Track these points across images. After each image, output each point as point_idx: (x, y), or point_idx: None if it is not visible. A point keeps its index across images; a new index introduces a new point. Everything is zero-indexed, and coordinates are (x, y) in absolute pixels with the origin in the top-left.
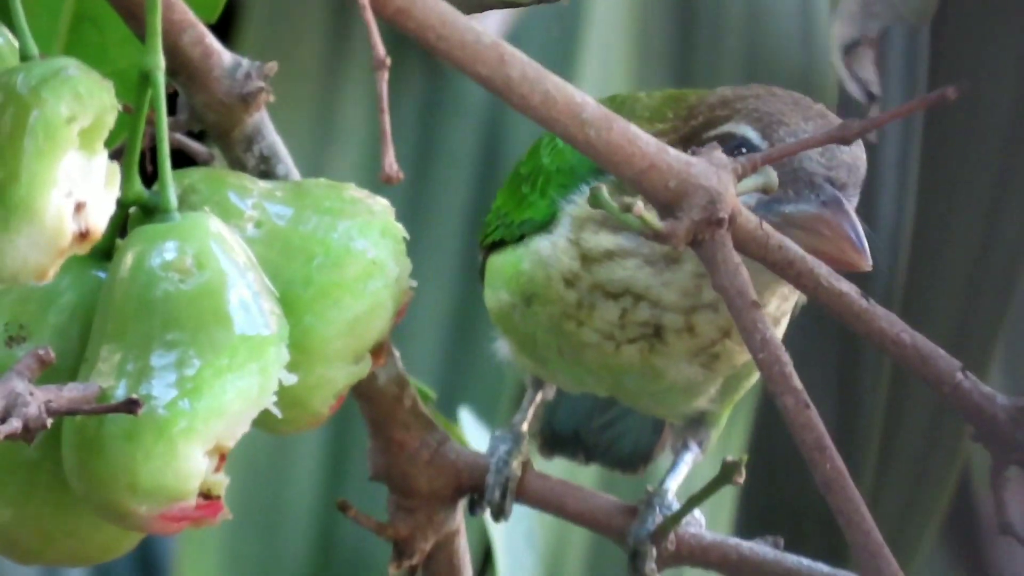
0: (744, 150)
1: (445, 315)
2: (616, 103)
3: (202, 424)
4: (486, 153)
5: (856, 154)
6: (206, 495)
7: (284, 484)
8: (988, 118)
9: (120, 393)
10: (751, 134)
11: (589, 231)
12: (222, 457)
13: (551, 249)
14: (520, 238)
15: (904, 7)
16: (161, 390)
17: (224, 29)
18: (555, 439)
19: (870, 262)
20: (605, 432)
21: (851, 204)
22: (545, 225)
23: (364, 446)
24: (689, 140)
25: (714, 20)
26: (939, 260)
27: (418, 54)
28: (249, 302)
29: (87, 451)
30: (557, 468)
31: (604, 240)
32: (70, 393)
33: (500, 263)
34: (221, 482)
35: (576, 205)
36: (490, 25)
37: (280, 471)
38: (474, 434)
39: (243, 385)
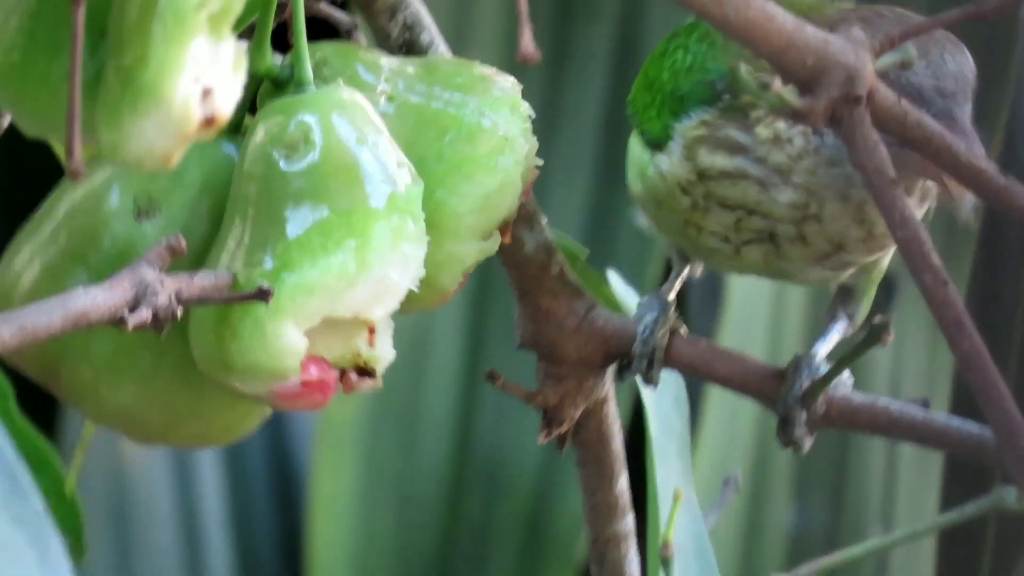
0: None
1: (581, 205)
2: None
3: (288, 301)
4: (621, 51)
5: (962, 63)
6: (362, 370)
7: (419, 384)
8: None
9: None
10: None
11: (704, 152)
12: (371, 331)
13: (668, 164)
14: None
15: None
16: (254, 268)
17: None
18: None
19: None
20: None
21: (963, 113)
22: (661, 144)
23: (502, 331)
24: None
25: None
26: None
27: None
28: (361, 177)
29: (196, 330)
30: None
31: (719, 161)
32: (201, 281)
33: (634, 154)
34: (379, 356)
35: (687, 127)
36: None
37: (416, 362)
38: (626, 295)
39: (335, 261)
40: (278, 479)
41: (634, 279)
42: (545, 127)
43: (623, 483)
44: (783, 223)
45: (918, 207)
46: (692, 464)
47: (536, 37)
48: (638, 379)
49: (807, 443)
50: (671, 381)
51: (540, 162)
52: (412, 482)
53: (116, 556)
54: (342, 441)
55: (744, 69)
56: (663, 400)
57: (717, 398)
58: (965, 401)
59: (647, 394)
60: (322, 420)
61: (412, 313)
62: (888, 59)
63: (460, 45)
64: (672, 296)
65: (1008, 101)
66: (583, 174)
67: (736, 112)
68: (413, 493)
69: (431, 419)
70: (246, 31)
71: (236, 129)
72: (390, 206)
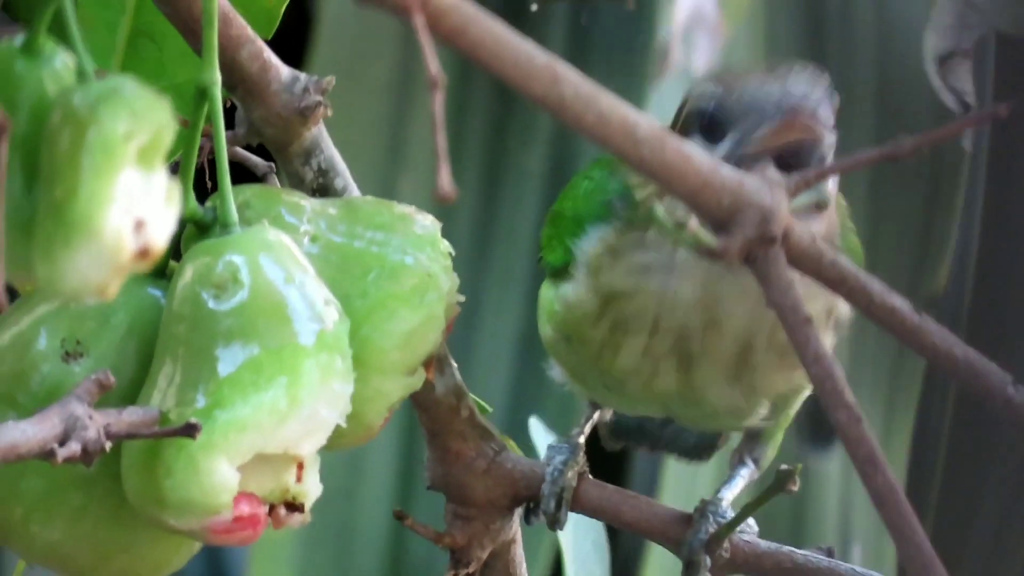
0: (708, 109)
1: (514, 332)
2: None
3: (221, 438)
4: (555, 172)
5: (809, 85)
6: (291, 505)
7: (354, 498)
8: None
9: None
10: (707, 92)
11: (604, 273)
12: (300, 466)
13: (574, 294)
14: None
15: (999, 17)
16: (187, 407)
17: (297, 50)
18: (621, 431)
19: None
20: (668, 426)
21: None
22: (563, 270)
23: None
24: (682, 132)
25: (842, 31)
26: (1006, 276)
27: (488, 74)
28: (289, 315)
29: (129, 467)
30: None
31: (618, 281)
32: (129, 417)
33: (543, 298)
34: (306, 492)
35: (586, 252)
36: None
37: (351, 486)
38: (543, 443)
39: (267, 398)
40: None
41: (569, 409)
42: (479, 246)
43: None
44: (688, 336)
45: (830, 333)
46: None
47: (471, 158)
48: (553, 521)
49: None
50: (591, 526)
51: (462, 298)
52: None
53: None
54: (277, 558)
55: (661, 208)
56: (582, 545)
57: None
58: None
59: (566, 539)
60: None
61: (339, 449)
62: (803, 199)
63: (395, 168)
64: (581, 440)
65: (953, 231)
66: (517, 298)
67: (634, 229)
68: None
69: (364, 537)
70: (171, 171)
71: (161, 272)
72: (319, 343)
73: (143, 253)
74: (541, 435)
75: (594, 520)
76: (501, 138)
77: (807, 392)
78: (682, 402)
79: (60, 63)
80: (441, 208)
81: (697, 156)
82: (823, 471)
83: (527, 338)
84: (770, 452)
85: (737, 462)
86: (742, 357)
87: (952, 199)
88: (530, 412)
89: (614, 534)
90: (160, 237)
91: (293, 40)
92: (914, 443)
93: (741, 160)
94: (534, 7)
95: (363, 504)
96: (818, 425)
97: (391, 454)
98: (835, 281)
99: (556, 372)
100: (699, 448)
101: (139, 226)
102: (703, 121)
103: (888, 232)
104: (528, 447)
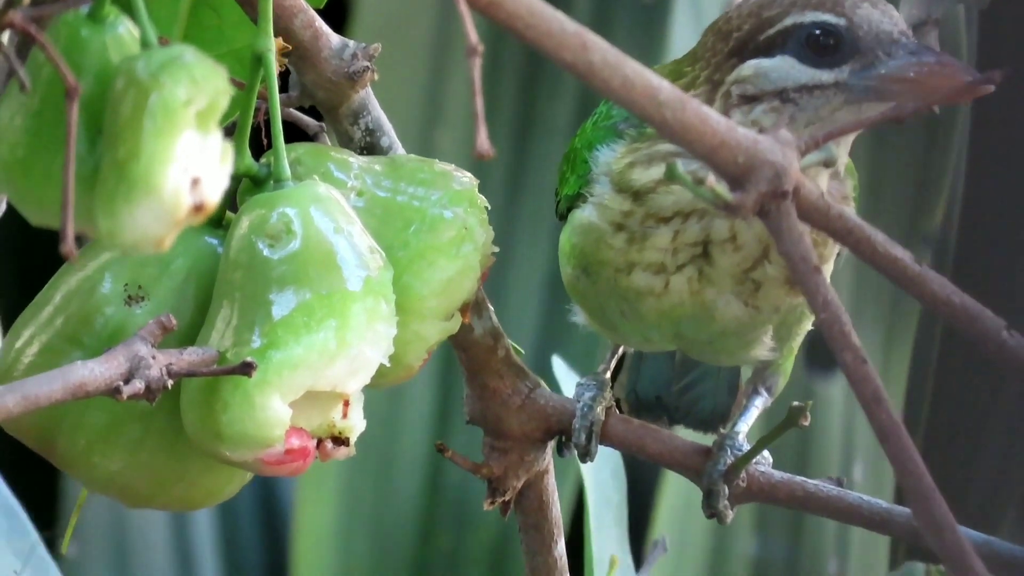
0: (819, 32)
1: (542, 277)
2: None
3: (275, 376)
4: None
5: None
6: (337, 439)
7: (396, 431)
8: None
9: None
10: (825, 16)
11: (639, 170)
12: (346, 403)
13: (592, 211)
14: (565, 215)
15: None
16: (243, 347)
17: (339, 17)
18: (640, 404)
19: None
20: (684, 396)
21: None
22: (576, 198)
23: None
24: (738, 53)
25: None
26: (988, 228)
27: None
28: (338, 263)
29: (188, 403)
30: None
31: (655, 172)
32: (189, 356)
33: (562, 243)
34: (352, 427)
35: (606, 162)
36: None
37: (392, 420)
38: (566, 381)
39: (318, 339)
40: (265, 513)
41: (592, 349)
42: (510, 197)
43: (561, 547)
44: (718, 220)
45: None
46: (627, 527)
47: (503, 114)
48: (584, 454)
49: (730, 515)
50: (609, 456)
51: (496, 249)
52: (387, 518)
53: None
54: (323, 480)
55: (680, 165)
56: (601, 474)
57: None
58: None
59: (586, 469)
60: None
61: (381, 387)
62: (812, 158)
63: (433, 124)
64: (608, 376)
65: (948, 174)
66: (544, 246)
67: (645, 140)
68: (388, 528)
69: (405, 460)
70: (225, 133)
71: (218, 222)
72: (365, 289)
73: (198, 208)
74: (564, 372)
75: (612, 450)
76: (531, 94)
77: (809, 324)
78: (692, 321)
79: (123, 30)
80: (475, 162)
81: (714, 117)
82: (827, 395)
83: (554, 283)
84: (781, 381)
85: (751, 392)
86: (755, 265)
87: (948, 143)
88: (556, 352)
89: (630, 465)
90: (214, 194)
91: (332, 6)
92: (911, 376)
93: (869, 86)
94: None
95: (402, 436)
96: (821, 352)
97: (429, 390)
98: (842, 233)
99: (579, 317)
100: (713, 419)
101: (195, 184)
102: (812, 42)
103: (889, 173)
104: (553, 385)
